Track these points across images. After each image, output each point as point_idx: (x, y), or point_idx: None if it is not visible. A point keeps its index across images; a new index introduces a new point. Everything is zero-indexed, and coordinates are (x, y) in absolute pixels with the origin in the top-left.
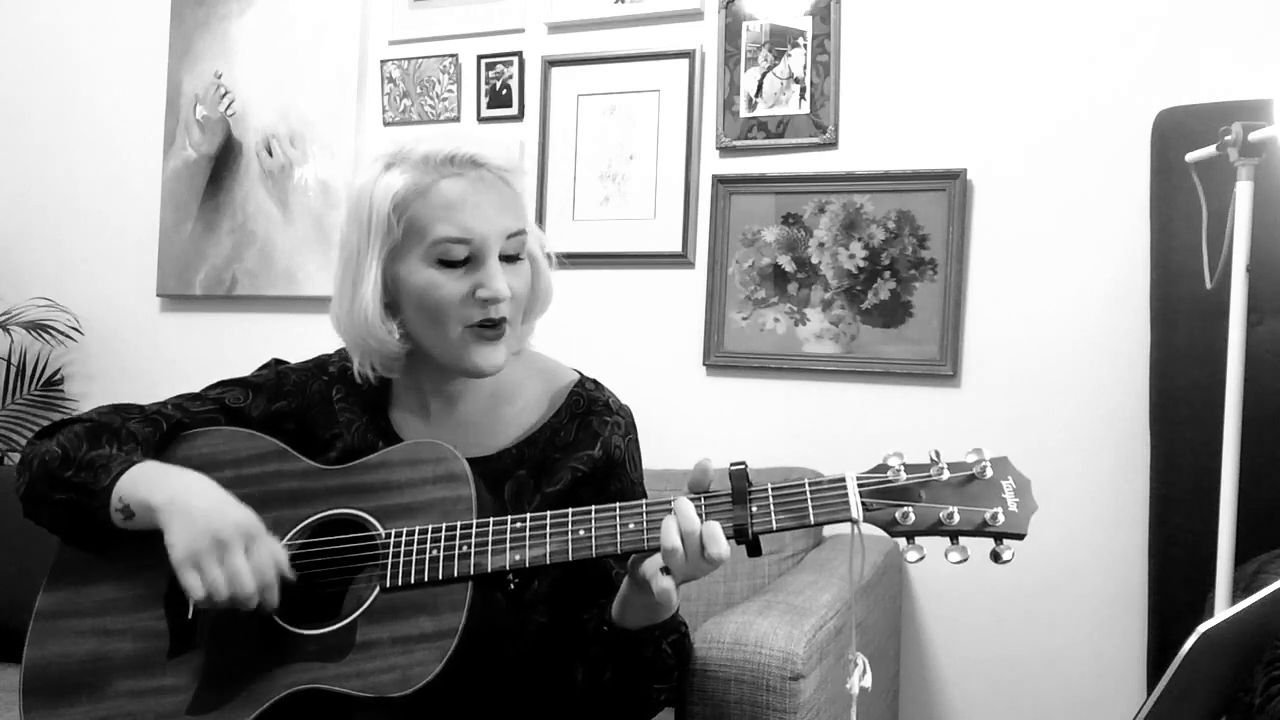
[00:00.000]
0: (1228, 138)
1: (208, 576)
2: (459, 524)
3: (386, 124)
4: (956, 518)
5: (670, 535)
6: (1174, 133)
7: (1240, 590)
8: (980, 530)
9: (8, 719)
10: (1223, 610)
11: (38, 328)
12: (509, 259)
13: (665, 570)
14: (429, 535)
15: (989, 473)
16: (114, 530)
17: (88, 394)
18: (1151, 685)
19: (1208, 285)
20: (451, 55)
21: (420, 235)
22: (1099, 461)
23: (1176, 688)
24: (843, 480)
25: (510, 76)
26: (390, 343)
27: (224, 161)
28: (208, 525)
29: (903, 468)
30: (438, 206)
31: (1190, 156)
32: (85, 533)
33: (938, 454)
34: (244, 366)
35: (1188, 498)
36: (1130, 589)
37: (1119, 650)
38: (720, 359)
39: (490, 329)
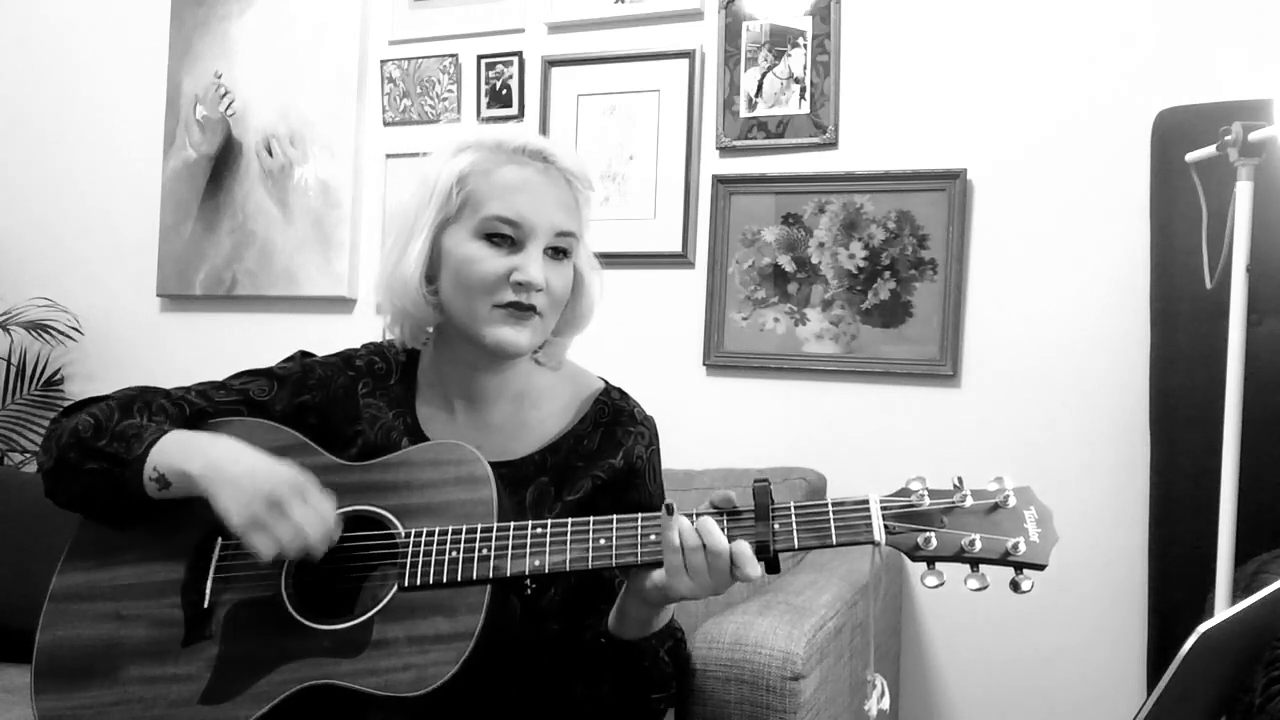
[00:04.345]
0: (1228, 138)
1: (275, 534)
2: (479, 526)
3: (386, 124)
4: (979, 545)
5: (671, 540)
6: (1174, 133)
7: (1240, 590)
8: (1003, 560)
9: (9, 719)
10: (1223, 610)
11: (38, 328)
12: (555, 255)
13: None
14: (449, 536)
15: (1012, 501)
16: (143, 503)
17: (87, 394)
18: (1151, 685)
19: (1208, 285)
20: (451, 55)
21: (474, 210)
22: (1099, 461)
23: (1176, 688)
24: (866, 502)
25: (510, 76)
26: (423, 307)
27: (224, 161)
28: (256, 486)
29: (926, 492)
30: (497, 186)
31: (1190, 156)
32: (114, 506)
33: (961, 480)
34: (244, 366)
35: (1188, 498)
36: (1130, 589)
37: (1119, 650)
38: (720, 359)
39: (519, 310)
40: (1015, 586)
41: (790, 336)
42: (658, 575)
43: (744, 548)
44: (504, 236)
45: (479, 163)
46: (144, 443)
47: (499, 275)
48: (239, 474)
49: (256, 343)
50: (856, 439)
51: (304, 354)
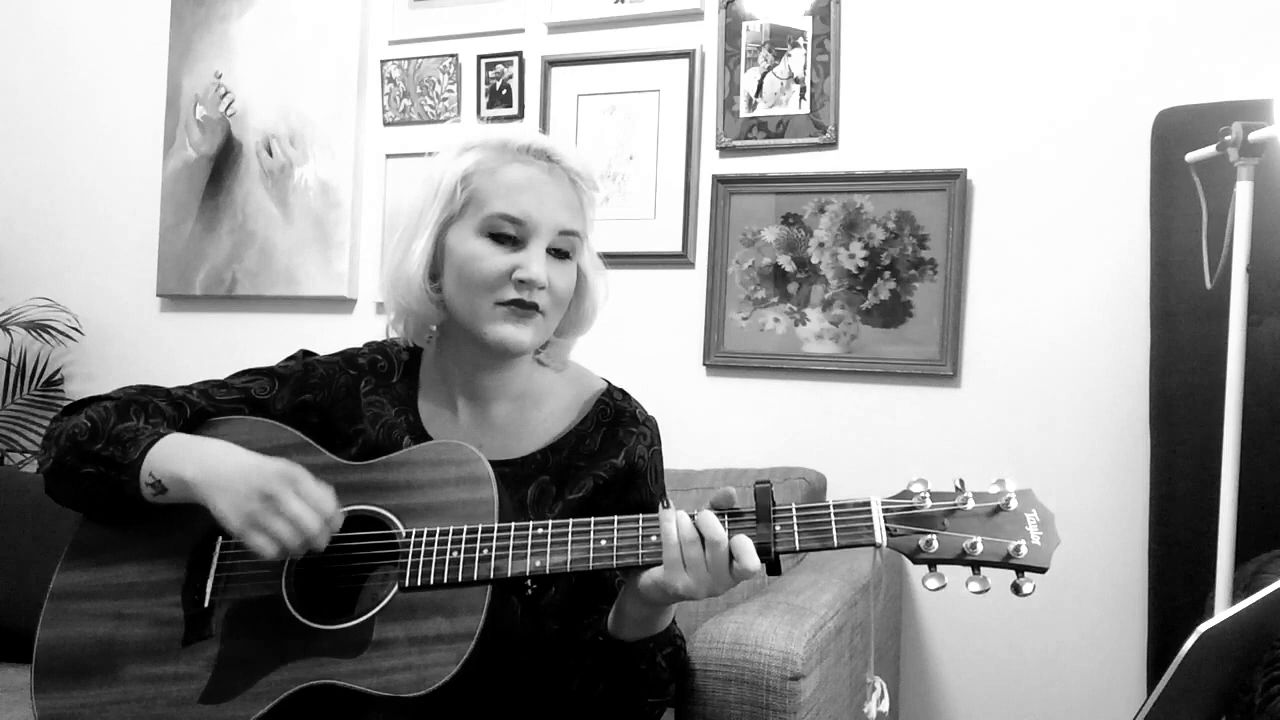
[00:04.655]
0: (1228, 138)
1: (273, 531)
2: (480, 527)
3: (386, 124)
4: (980, 548)
5: (669, 532)
6: (1174, 133)
7: (1240, 590)
8: (1004, 563)
9: (9, 718)
10: (1223, 610)
11: (38, 328)
12: (558, 255)
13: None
14: (449, 536)
15: (1013, 504)
16: (141, 505)
17: (87, 394)
18: (1151, 685)
19: (1208, 285)
20: (451, 55)
21: (478, 208)
22: (1099, 461)
23: (1176, 688)
24: (868, 504)
25: (510, 76)
26: (427, 305)
27: (224, 161)
28: (249, 484)
29: (928, 495)
30: (501, 184)
31: (1190, 156)
32: (111, 508)
33: (962, 482)
34: (244, 367)
35: (1187, 498)
36: (1130, 589)
37: (1119, 650)
38: (720, 359)
39: (521, 308)
40: (1016, 589)
41: (790, 336)
42: (657, 571)
43: (743, 540)
44: (507, 234)
45: (484, 161)
46: (139, 447)
47: (501, 272)
48: (229, 473)
49: (256, 343)
50: (856, 439)
51: (305, 353)
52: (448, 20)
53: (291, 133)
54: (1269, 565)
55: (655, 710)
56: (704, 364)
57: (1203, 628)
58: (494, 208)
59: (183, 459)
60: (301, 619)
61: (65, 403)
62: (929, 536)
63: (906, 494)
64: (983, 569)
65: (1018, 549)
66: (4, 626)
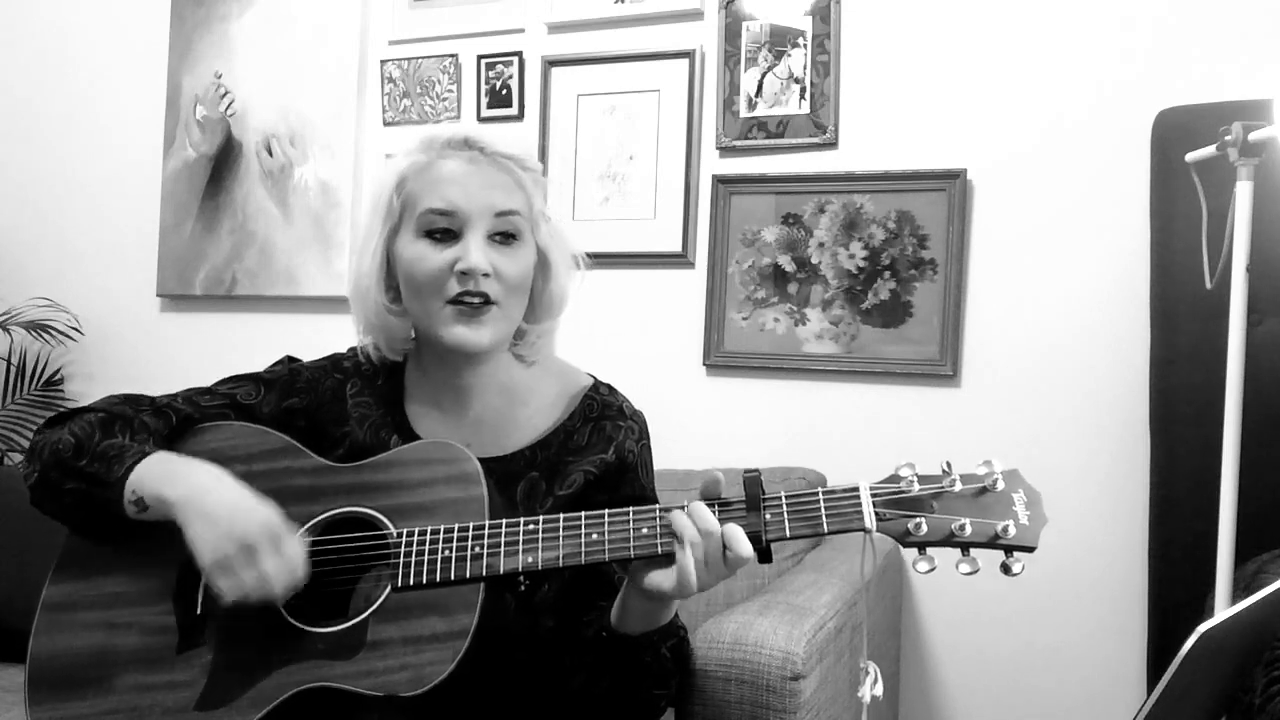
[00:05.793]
0: (1228, 138)
1: (241, 581)
2: (471, 525)
3: (386, 124)
4: (969, 529)
5: (685, 526)
6: (1174, 133)
7: (1240, 590)
8: (992, 543)
9: (9, 719)
10: (1223, 610)
11: (38, 328)
12: (504, 239)
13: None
14: (441, 535)
15: (1000, 485)
16: (125, 521)
17: (87, 394)
18: (1151, 685)
19: (1208, 285)
20: (451, 55)
21: (412, 209)
22: (1099, 461)
23: (1176, 688)
24: (856, 490)
25: (510, 76)
26: (386, 318)
27: (224, 161)
28: (231, 528)
29: (915, 478)
30: (429, 181)
31: (1190, 156)
32: (95, 523)
33: (949, 465)
34: (243, 367)
35: (1188, 498)
36: (1130, 589)
37: (1119, 650)
38: (720, 359)
39: (469, 305)
40: (1006, 569)
41: (790, 336)
42: (656, 574)
43: (734, 528)
44: (443, 230)
45: (414, 164)
46: (124, 464)
47: (442, 268)
48: (215, 508)
49: (256, 343)
50: (856, 439)
51: (290, 359)
52: (448, 20)
53: (291, 133)
54: (1269, 565)
55: (660, 702)
56: (704, 364)
57: (1203, 628)
58: (424, 204)
59: (168, 479)
60: (295, 623)
61: (66, 403)
62: (918, 519)
63: (894, 478)
64: (972, 550)
65: (1005, 529)
66: (4, 626)
